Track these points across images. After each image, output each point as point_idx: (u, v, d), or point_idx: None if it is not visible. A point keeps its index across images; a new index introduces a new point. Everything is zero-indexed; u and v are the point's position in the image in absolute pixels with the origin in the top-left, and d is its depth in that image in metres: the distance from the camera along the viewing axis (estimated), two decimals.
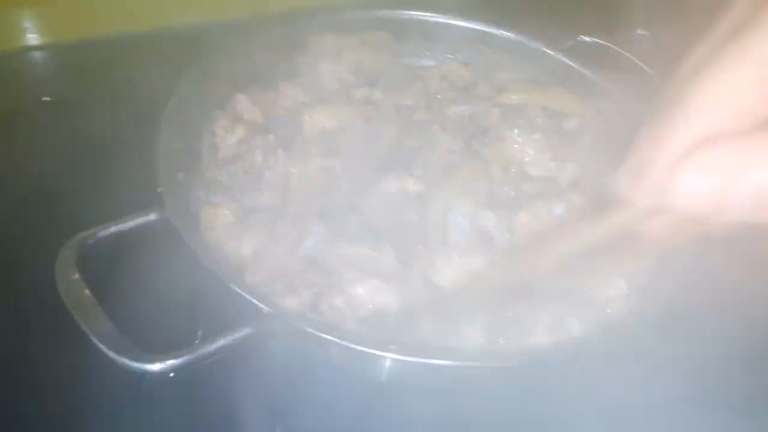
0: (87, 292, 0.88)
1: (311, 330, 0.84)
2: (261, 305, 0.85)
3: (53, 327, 0.95)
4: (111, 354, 0.82)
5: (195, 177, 1.12)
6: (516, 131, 1.14)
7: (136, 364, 0.81)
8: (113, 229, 0.96)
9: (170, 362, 0.82)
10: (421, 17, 1.43)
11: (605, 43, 1.50)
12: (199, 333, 1.01)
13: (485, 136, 1.18)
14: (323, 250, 0.98)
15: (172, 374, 0.82)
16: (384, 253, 0.98)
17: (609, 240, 0.71)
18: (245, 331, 0.86)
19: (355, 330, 0.92)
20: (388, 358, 0.85)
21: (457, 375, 0.88)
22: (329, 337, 0.82)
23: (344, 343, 0.83)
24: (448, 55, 1.42)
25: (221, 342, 0.84)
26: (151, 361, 0.81)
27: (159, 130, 1.06)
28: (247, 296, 0.86)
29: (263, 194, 1.07)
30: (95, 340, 0.83)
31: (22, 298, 1.04)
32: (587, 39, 1.44)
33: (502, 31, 1.42)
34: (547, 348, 0.94)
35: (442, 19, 1.43)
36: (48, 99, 1.51)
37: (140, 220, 0.97)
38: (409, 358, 0.84)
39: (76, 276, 0.89)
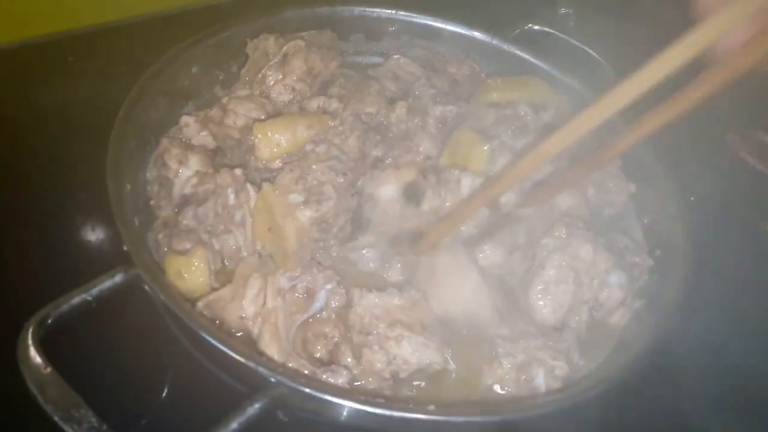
0: (60, 382, 0.75)
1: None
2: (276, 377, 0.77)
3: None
4: None
5: (147, 217, 1.00)
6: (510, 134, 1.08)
7: None
8: (76, 299, 0.82)
9: None
10: (362, 13, 1.33)
11: (545, 28, 1.47)
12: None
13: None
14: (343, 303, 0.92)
15: None
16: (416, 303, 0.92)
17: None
18: (256, 407, 0.76)
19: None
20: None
21: None
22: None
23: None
24: (393, 53, 1.32)
25: (234, 425, 0.74)
26: None
27: (108, 173, 0.92)
28: (260, 368, 0.77)
29: (233, 235, 0.96)
30: None
31: None
32: (535, 27, 1.40)
33: (444, 24, 1.35)
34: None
35: (384, 14, 1.33)
36: None
37: (106, 284, 0.84)
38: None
39: (42, 364, 0.75)
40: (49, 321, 0.79)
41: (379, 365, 0.87)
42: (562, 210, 1.05)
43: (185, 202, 0.98)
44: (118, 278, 0.85)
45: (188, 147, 1.03)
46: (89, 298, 0.83)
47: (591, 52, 1.38)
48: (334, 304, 0.93)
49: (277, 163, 1.06)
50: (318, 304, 0.92)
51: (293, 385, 0.76)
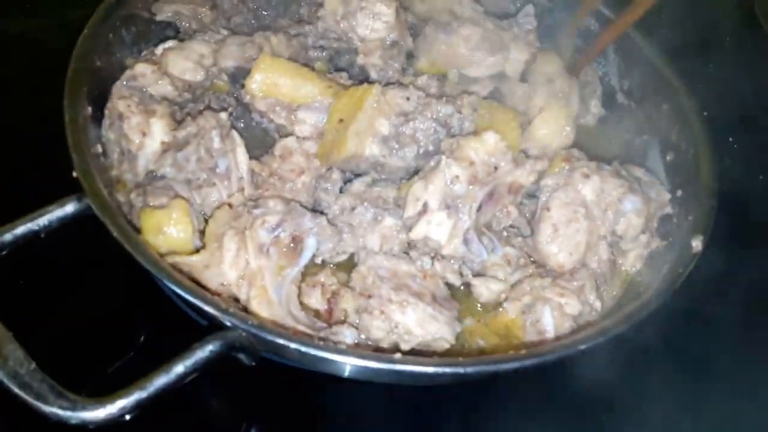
0: None
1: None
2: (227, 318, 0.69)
3: None
4: (37, 405, 0.63)
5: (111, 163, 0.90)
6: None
7: (73, 414, 0.63)
8: (20, 229, 0.75)
9: (120, 403, 0.64)
10: None
11: None
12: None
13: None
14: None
15: (128, 417, 0.64)
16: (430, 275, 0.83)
17: None
18: (208, 350, 0.69)
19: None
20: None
21: None
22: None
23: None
24: None
25: (179, 369, 0.67)
26: (93, 406, 0.63)
27: (66, 90, 0.84)
28: (211, 309, 0.69)
29: (217, 188, 0.85)
30: (12, 388, 0.64)
31: None
32: None
33: None
34: None
35: None
36: None
37: (56, 213, 0.77)
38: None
39: None
40: None
41: (377, 332, 0.78)
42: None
43: (149, 176, 0.87)
44: (70, 208, 0.78)
45: (148, 109, 0.90)
46: (36, 228, 0.76)
47: None
48: (327, 246, 0.84)
49: (262, 104, 0.94)
50: (308, 252, 0.82)
51: (244, 326, 0.69)
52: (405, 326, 0.78)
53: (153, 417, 0.76)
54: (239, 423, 0.88)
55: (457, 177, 0.84)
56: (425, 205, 0.84)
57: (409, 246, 0.87)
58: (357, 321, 0.80)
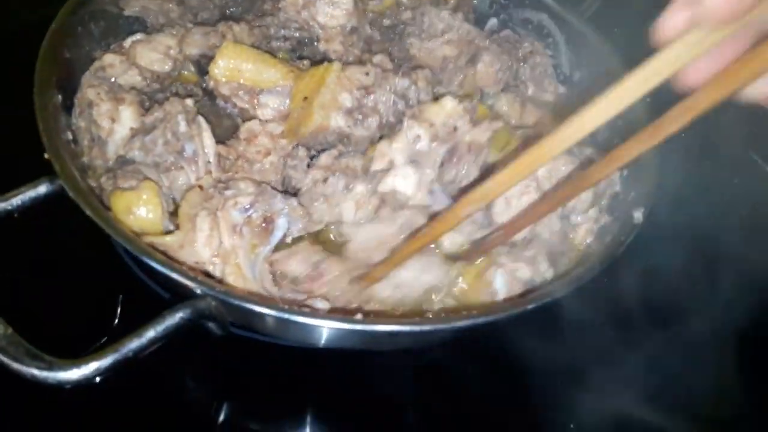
0: None
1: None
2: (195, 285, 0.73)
3: None
4: (15, 366, 0.66)
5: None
6: None
7: (49, 374, 0.66)
8: None
9: (94, 365, 0.67)
10: None
11: None
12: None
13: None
14: None
15: (98, 379, 0.67)
16: None
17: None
18: (178, 317, 0.72)
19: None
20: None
21: None
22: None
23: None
24: None
25: (150, 333, 0.70)
26: (68, 366, 0.66)
27: (36, 79, 0.87)
28: (180, 277, 0.72)
29: (184, 172, 0.88)
30: None
31: None
32: None
33: None
34: None
35: None
36: None
37: (28, 194, 0.80)
38: None
39: None
40: None
41: None
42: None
43: (119, 160, 0.90)
44: (43, 188, 0.81)
45: (117, 97, 0.93)
46: (9, 207, 0.79)
47: None
48: (297, 226, 0.88)
49: (225, 89, 0.98)
50: (279, 232, 0.86)
51: (212, 293, 0.72)
52: None
53: (125, 395, 0.80)
54: (210, 400, 0.91)
55: (419, 136, 0.90)
56: (391, 162, 0.90)
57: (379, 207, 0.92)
58: None
